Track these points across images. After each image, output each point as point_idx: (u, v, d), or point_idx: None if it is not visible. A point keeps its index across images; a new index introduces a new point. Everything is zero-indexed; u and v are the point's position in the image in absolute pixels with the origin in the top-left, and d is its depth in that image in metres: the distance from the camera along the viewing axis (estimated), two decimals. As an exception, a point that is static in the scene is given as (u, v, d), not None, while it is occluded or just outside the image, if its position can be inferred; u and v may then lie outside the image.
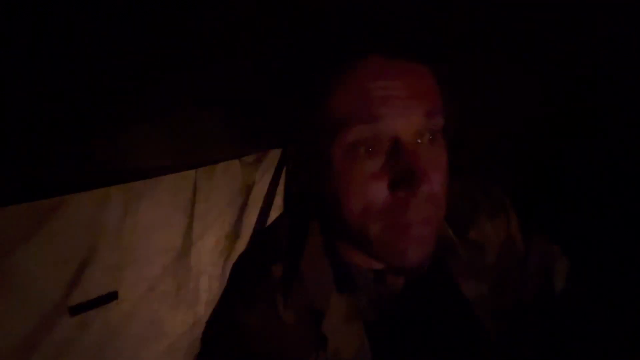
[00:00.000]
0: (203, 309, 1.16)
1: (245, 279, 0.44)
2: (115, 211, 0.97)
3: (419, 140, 0.36)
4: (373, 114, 0.33)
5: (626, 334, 0.46)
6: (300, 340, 0.40)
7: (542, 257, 0.48)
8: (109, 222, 0.95)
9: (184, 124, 1.05)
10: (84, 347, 0.88)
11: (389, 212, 0.35)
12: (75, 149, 0.96)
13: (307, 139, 0.39)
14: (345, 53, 0.35)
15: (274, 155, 1.55)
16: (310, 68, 0.37)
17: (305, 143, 0.40)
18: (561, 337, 0.45)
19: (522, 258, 0.47)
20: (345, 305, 0.41)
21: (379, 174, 0.35)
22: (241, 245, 1.31)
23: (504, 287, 0.44)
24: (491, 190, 0.50)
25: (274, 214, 1.49)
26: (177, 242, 1.11)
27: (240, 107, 1.04)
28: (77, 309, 0.87)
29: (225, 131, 1.21)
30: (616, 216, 0.75)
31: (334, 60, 0.36)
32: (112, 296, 0.93)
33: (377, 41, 0.35)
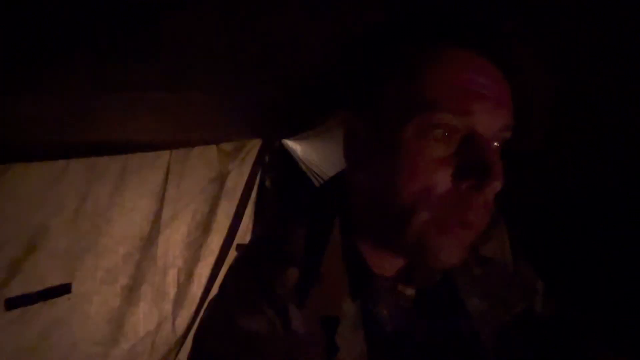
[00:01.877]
0: (170, 307, 1.03)
1: (251, 281, 0.39)
2: (74, 188, 0.82)
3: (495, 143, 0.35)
4: (466, 108, 0.32)
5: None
6: (307, 350, 0.37)
7: (526, 278, 0.50)
8: (65, 200, 0.80)
9: (164, 99, 0.93)
10: (20, 348, 0.72)
11: (444, 204, 0.33)
12: (26, 109, 0.80)
13: (372, 111, 0.37)
14: (445, 37, 0.34)
15: (252, 145, 1.46)
16: (402, 42, 0.35)
17: (367, 114, 0.37)
18: (543, 355, 0.46)
19: (510, 278, 0.48)
20: (355, 312, 0.38)
21: (447, 161, 0.33)
22: (215, 239, 1.20)
23: (497, 305, 0.45)
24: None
25: (248, 208, 1.40)
26: (143, 229, 0.97)
27: (225, 91, 0.95)
28: (16, 302, 0.71)
29: (206, 113, 1.11)
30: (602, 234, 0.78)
31: (431, 41, 0.34)
32: (64, 289, 0.78)
33: (482, 37, 0.34)
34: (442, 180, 0.33)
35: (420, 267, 0.40)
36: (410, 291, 0.41)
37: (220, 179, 1.29)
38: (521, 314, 0.46)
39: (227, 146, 1.36)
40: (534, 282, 0.49)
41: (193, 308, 1.08)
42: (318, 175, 1.71)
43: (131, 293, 0.92)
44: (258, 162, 1.49)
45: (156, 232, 1.00)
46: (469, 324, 0.42)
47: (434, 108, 0.32)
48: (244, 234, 1.43)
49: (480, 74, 0.33)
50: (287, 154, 1.71)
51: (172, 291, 1.03)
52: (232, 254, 1.35)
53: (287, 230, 0.41)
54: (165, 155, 1.10)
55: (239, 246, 1.42)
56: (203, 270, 1.14)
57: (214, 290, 1.25)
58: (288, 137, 1.63)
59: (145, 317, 0.94)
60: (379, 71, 0.36)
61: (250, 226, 1.48)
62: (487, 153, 0.32)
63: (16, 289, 0.73)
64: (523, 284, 0.48)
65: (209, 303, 0.41)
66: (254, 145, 1.47)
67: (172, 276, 1.03)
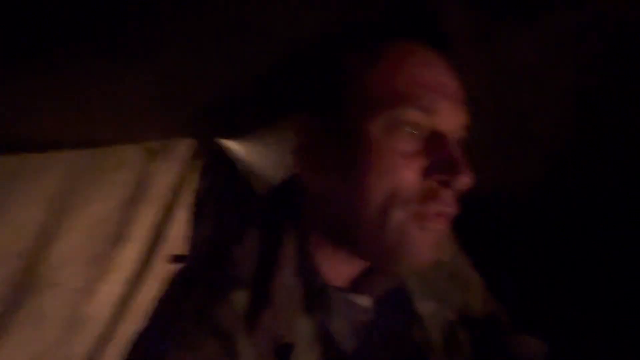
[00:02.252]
0: (53, 336, 0.90)
1: (189, 309, 0.34)
2: None
3: None
4: (432, 106, 0.34)
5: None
6: None
7: (463, 274, 0.51)
8: None
9: (72, 83, 0.78)
10: None
11: (416, 201, 0.34)
12: None
13: (331, 110, 0.36)
14: (395, 32, 0.36)
15: (182, 144, 1.34)
16: (361, 39, 0.37)
17: (326, 114, 0.37)
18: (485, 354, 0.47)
19: (452, 275, 0.49)
20: (310, 331, 0.36)
21: (414, 157, 0.34)
22: (127, 251, 1.08)
23: (443, 304, 0.46)
24: None
25: (179, 214, 1.29)
26: (26, 244, 0.84)
27: (158, 78, 0.82)
28: None
29: (130, 105, 0.96)
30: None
31: (382, 36, 0.36)
32: None
33: (432, 30, 0.36)
34: (413, 175, 0.33)
35: (380, 273, 0.40)
36: (366, 302, 0.40)
37: (140, 183, 1.16)
38: (463, 310, 0.48)
39: (150, 145, 1.23)
40: (470, 278, 0.51)
41: (95, 332, 0.96)
42: (261, 179, 1.62)
43: (2, 321, 0.79)
44: (190, 163, 1.37)
45: (43, 247, 0.86)
46: (421, 330, 0.43)
47: (402, 104, 0.33)
48: (174, 244, 1.31)
49: (442, 72, 0.35)
50: (225, 156, 1.60)
51: (60, 315, 0.90)
52: (158, 266, 1.23)
53: (231, 245, 0.37)
54: (69, 155, 0.96)
55: (176, 257, 1.29)
56: (109, 288, 1.02)
57: (129, 312, 1.14)
58: (226, 136, 1.51)
59: (19, 348, 0.82)
60: (337, 70, 0.36)
61: (183, 233, 1.36)
62: (453, 149, 0.34)
63: None
64: (461, 280, 0.50)
65: (135, 336, 0.35)
66: (185, 145, 1.34)
67: (62, 297, 0.90)
